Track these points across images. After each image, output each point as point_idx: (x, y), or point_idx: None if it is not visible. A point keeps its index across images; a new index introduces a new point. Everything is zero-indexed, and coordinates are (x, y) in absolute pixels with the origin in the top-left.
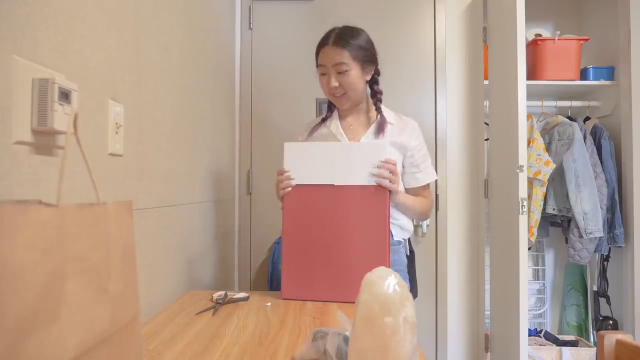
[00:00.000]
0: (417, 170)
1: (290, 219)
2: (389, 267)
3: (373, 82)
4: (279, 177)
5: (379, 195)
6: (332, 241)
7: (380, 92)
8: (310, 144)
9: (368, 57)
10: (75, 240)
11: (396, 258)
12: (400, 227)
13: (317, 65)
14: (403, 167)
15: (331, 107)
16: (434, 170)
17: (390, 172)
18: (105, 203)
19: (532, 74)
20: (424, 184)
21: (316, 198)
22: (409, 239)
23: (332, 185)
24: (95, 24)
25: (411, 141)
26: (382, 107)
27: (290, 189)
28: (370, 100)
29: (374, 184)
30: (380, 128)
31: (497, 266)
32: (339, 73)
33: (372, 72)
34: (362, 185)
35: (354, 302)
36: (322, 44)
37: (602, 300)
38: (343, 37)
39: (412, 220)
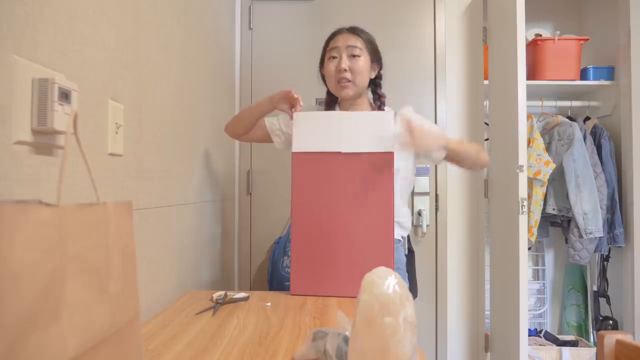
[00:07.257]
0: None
1: (299, 189)
2: (393, 240)
3: (376, 86)
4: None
5: (384, 162)
6: (340, 212)
7: (384, 96)
8: (318, 113)
9: (376, 54)
10: (75, 240)
11: (395, 257)
12: (400, 224)
13: (325, 53)
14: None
15: (329, 108)
16: None
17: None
18: (105, 203)
19: (532, 74)
20: (442, 157)
21: (324, 166)
22: (408, 237)
23: (339, 152)
24: (95, 24)
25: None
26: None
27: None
28: (370, 102)
29: (380, 150)
30: None
31: (497, 266)
32: (352, 56)
33: (376, 73)
34: (368, 153)
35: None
36: (336, 33)
37: (602, 300)
38: (357, 28)
39: (411, 217)
